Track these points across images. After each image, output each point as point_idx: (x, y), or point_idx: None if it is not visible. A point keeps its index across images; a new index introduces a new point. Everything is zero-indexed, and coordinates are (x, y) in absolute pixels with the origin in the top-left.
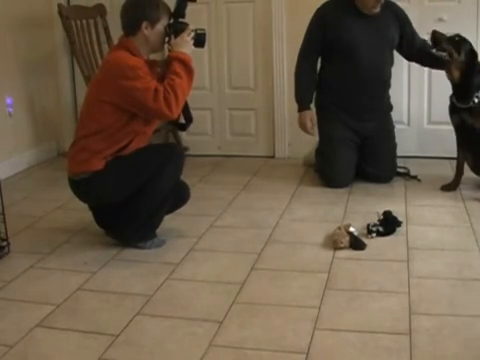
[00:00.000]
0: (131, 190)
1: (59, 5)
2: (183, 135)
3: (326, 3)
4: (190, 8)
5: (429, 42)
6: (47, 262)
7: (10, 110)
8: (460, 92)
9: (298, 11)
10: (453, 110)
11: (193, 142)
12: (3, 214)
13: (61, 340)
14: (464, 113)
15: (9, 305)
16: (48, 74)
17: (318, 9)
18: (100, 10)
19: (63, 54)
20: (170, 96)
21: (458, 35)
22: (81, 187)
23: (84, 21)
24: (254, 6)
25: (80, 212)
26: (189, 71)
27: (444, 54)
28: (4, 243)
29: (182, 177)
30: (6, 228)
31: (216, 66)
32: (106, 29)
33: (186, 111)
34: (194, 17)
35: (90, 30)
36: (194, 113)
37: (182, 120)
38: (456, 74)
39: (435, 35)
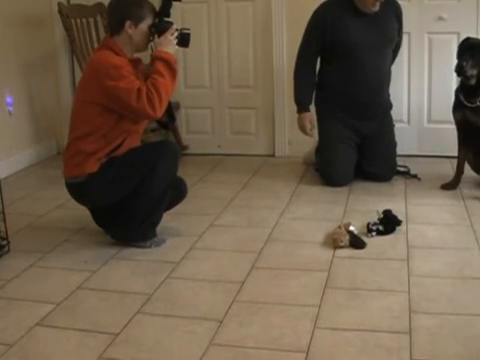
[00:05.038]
0: (127, 190)
1: (59, 4)
2: (183, 134)
3: (324, 3)
4: (190, 7)
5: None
6: (47, 261)
7: (10, 109)
8: (470, 91)
9: (298, 10)
10: (457, 106)
11: (193, 141)
12: (3, 213)
13: (61, 339)
14: (468, 111)
15: (9, 304)
16: (48, 73)
17: (316, 10)
18: (100, 9)
19: (63, 53)
20: (153, 96)
21: (469, 47)
22: (77, 190)
23: (84, 20)
24: (254, 5)
25: (80, 211)
26: (172, 70)
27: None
28: (4, 242)
29: (182, 176)
30: (6, 227)
31: (216, 65)
32: (106, 28)
33: (169, 110)
34: (194, 16)
35: (90, 29)
36: (194, 112)
37: (164, 119)
38: (473, 80)
39: (460, 66)
